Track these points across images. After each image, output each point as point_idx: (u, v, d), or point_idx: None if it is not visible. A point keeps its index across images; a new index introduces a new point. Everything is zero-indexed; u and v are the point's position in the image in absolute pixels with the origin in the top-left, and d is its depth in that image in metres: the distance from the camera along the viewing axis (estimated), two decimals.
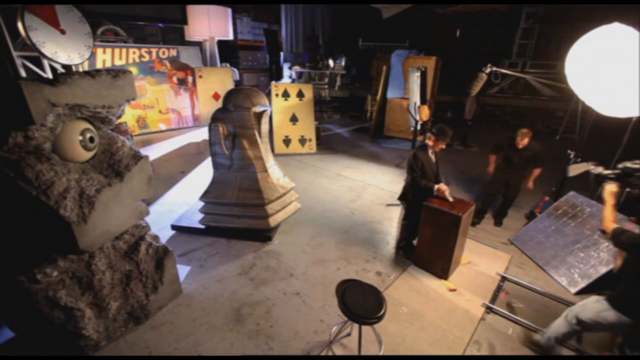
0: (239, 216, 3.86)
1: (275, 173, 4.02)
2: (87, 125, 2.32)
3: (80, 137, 2.26)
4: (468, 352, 2.59)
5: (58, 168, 2.13)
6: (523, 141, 4.00)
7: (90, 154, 2.36)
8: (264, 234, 3.93)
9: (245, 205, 3.80)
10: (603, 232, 2.36)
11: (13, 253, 2.19)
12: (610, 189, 2.40)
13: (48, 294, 2.20)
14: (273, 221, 3.88)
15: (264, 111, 3.85)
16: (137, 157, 2.55)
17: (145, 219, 2.79)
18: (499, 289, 3.30)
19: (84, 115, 2.28)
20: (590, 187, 2.95)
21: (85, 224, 2.14)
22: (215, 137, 3.78)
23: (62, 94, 2.08)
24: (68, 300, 2.27)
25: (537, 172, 4.22)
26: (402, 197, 3.74)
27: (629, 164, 2.61)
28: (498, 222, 4.45)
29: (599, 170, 2.81)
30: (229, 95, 3.77)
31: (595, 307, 2.22)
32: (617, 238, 2.13)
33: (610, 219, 2.27)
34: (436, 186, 3.31)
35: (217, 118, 3.76)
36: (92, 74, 2.27)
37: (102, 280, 2.45)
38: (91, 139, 2.33)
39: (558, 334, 2.42)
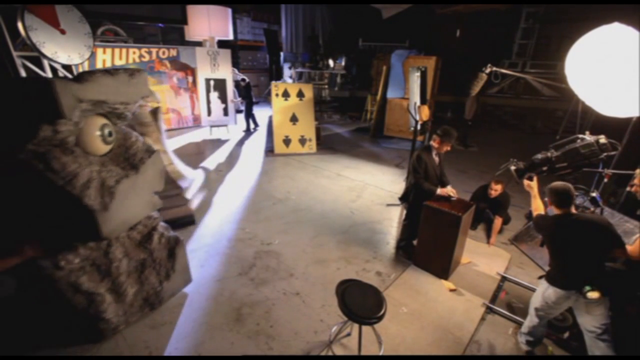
0: (162, 209, 3.62)
1: (179, 164, 4.48)
2: (105, 120, 2.47)
3: (100, 132, 2.42)
4: (468, 352, 2.58)
5: (81, 160, 2.28)
6: (496, 192, 4.01)
7: (108, 148, 2.50)
8: (189, 219, 4.28)
9: (165, 197, 3.66)
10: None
11: (39, 240, 2.26)
12: (527, 181, 2.79)
13: (70, 279, 2.34)
14: (193, 205, 4.32)
15: (157, 107, 4.00)
16: (150, 151, 2.73)
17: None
18: (499, 289, 3.30)
19: (104, 110, 2.43)
20: (513, 181, 3.27)
21: (107, 212, 2.29)
22: None
23: (87, 90, 2.22)
24: (89, 286, 2.41)
25: (498, 222, 4.05)
26: (404, 198, 3.74)
27: (536, 156, 3.06)
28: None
29: (519, 165, 3.13)
30: None
31: (539, 290, 2.39)
32: (534, 224, 2.43)
33: (535, 207, 2.55)
34: (438, 191, 3.31)
35: None
36: (112, 72, 2.41)
37: (119, 267, 2.59)
38: (109, 134, 2.49)
39: (528, 329, 2.51)
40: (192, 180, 4.52)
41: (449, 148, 3.40)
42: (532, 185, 2.73)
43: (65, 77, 2.13)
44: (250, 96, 9.07)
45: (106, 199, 2.30)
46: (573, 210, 2.24)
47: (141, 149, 2.69)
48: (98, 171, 2.34)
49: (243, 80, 8.91)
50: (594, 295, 2.06)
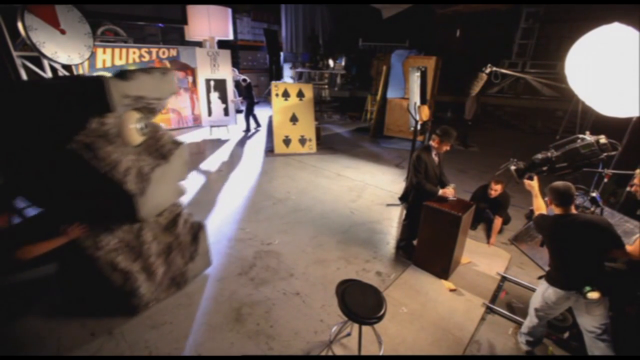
0: None
1: None
2: (140, 115, 2.75)
3: (135, 125, 2.69)
4: (468, 352, 2.58)
5: (121, 150, 2.53)
6: (496, 192, 4.00)
7: (142, 139, 2.78)
8: None
9: None
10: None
11: (83, 223, 2.53)
12: (528, 181, 2.80)
13: (108, 259, 2.61)
14: None
15: None
16: (177, 143, 3.01)
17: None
18: (499, 289, 3.30)
19: (140, 105, 2.68)
20: (513, 181, 3.27)
21: (143, 196, 2.54)
22: None
23: (130, 87, 2.46)
24: (125, 265, 2.67)
25: (498, 223, 4.05)
26: (404, 198, 3.74)
27: (536, 156, 3.05)
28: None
29: (519, 165, 3.12)
30: None
31: (539, 290, 2.39)
32: (534, 224, 2.42)
33: (536, 207, 2.53)
34: (440, 191, 3.31)
35: None
36: (148, 70, 2.67)
37: (150, 249, 2.86)
38: (144, 126, 2.78)
39: (528, 329, 2.51)
40: None
41: (448, 148, 3.39)
42: (533, 185, 2.74)
43: (115, 75, 2.44)
44: (252, 96, 9.07)
45: (143, 185, 2.55)
46: (573, 210, 2.24)
47: (169, 140, 2.96)
48: (135, 160, 2.59)
49: (244, 80, 8.91)
50: (594, 295, 2.06)
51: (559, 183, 2.28)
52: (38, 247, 2.33)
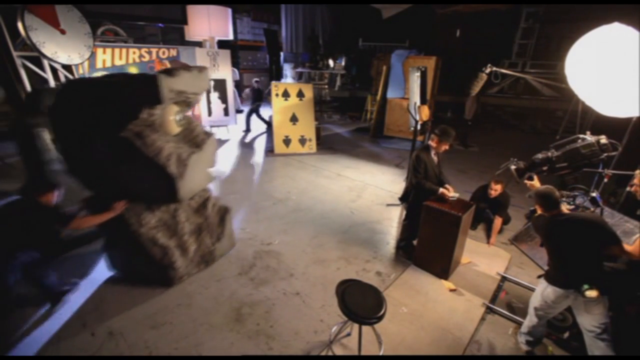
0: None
1: None
2: (178, 108, 3.08)
3: (175, 117, 3.06)
4: (468, 352, 2.58)
5: (164, 138, 2.86)
6: (496, 192, 4.00)
7: (179, 129, 3.14)
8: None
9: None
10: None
11: (128, 201, 2.92)
12: (529, 182, 2.85)
13: (149, 235, 2.97)
14: None
15: None
16: (208, 134, 3.32)
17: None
18: (499, 289, 3.30)
19: (180, 99, 2.98)
20: (513, 180, 3.29)
21: (182, 179, 2.86)
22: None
23: (175, 82, 2.80)
24: (163, 241, 3.03)
25: (498, 222, 4.04)
26: (404, 198, 3.74)
27: (536, 156, 3.10)
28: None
29: (520, 165, 3.16)
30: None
31: (538, 289, 2.40)
32: (532, 223, 2.46)
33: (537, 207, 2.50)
34: (440, 190, 3.31)
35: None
36: (188, 68, 2.98)
37: (184, 228, 3.20)
38: (181, 118, 3.14)
39: (528, 328, 2.52)
40: None
41: (447, 147, 3.39)
42: (534, 184, 2.75)
43: (162, 72, 2.75)
44: (261, 98, 9.05)
45: (181, 169, 2.87)
46: (565, 210, 2.26)
47: (201, 131, 3.28)
48: (175, 147, 2.91)
49: (257, 81, 9.01)
50: (592, 294, 2.06)
51: (540, 188, 2.32)
52: (89, 219, 2.82)
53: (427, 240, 3.41)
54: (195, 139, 3.20)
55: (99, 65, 7.24)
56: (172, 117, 3.03)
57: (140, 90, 2.72)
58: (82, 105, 2.77)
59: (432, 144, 3.40)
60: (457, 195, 3.34)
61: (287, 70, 14.06)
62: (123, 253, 3.16)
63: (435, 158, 3.48)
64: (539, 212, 2.47)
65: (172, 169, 2.79)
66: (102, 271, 3.32)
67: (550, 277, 2.29)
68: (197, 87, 3.10)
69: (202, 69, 3.14)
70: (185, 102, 3.08)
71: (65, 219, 2.70)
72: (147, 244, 2.95)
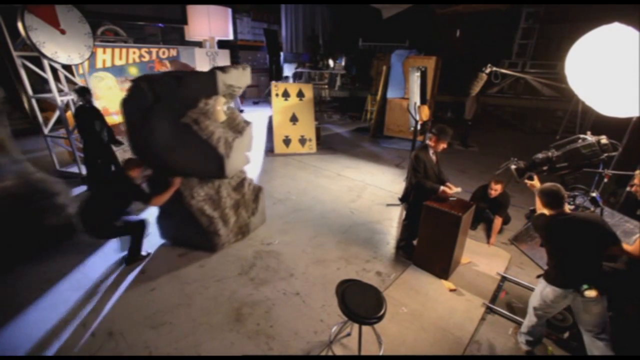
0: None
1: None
2: (224, 99, 3.66)
3: (223, 107, 3.65)
4: (468, 352, 2.58)
5: (214, 124, 3.44)
6: (496, 192, 4.00)
7: (225, 117, 3.70)
8: (67, 231, 4.13)
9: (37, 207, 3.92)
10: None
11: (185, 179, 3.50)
12: (529, 181, 2.86)
13: (199, 206, 3.53)
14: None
15: None
16: (247, 123, 3.87)
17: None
18: (499, 289, 3.30)
19: (227, 92, 3.52)
20: (513, 180, 3.29)
21: (228, 159, 3.42)
22: None
23: (227, 77, 3.42)
24: (210, 212, 3.58)
25: (498, 222, 4.04)
26: (404, 199, 3.73)
27: (537, 156, 3.13)
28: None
29: (520, 164, 3.16)
30: None
31: (537, 289, 2.39)
32: (532, 223, 2.44)
33: (538, 207, 2.49)
34: (441, 188, 3.31)
35: None
36: (235, 66, 3.60)
37: (225, 202, 3.75)
38: (228, 108, 3.78)
39: (528, 328, 2.52)
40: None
41: (445, 146, 3.40)
42: (535, 184, 2.74)
43: (217, 69, 3.36)
44: None
45: (228, 150, 3.41)
46: (567, 209, 2.24)
47: (241, 120, 3.86)
48: (223, 132, 3.46)
49: None
50: (591, 293, 2.06)
51: (547, 185, 2.29)
52: (162, 196, 3.31)
53: (427, 240, 3.41)
54: (237, 126, 3.75)
55: (99, 65, 7.24)
56: (219, 107, 3.56)
57: (203, 83, 3.32)
58: (149, 97, 3.36)
59: (430, 143, 3.41)
60: (459, 190, 3.34)
61: (287, 71, 14.06)
62: (176, 222, 3.70)
63: (434, 157, 3.48)
64: (541, 209, 2.47)
65: (221, 149, 3.34)
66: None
67: (550, 276, 2.28)
68: (242, 82, 3.66)
69: (245, 67, 3.69)
70: (231, 94, 3.62)
71: (146, 196, 3.31)
72: (197, 213, 3.50)
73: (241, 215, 3.91)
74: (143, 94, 3.36)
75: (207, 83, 3.32)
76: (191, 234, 3.65)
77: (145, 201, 3.30)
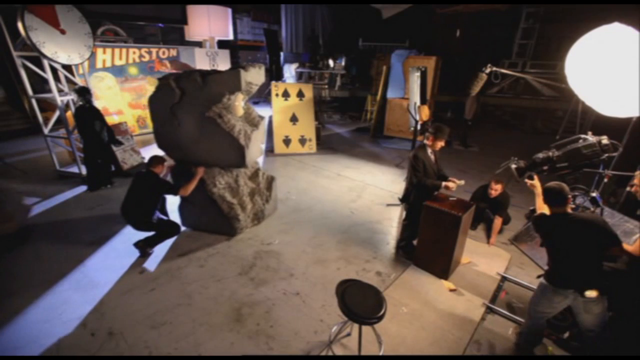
0: None
1: None
2: (243, 96, 3.89)
3: (241, 102, 3.90)
4: (468, 352, 2.58)
5: (235, 118, 3.74)
6: (496, 192, 3.99)
7: (243, 112, 3.97)
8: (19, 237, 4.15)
9: None
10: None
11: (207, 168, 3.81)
12: (530, 181, 2.82)
13: (220, 193, 3.84)
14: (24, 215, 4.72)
15: None
16: (261, 117, 4.21)
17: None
18: (499, 289, 3.30)
19: (245, 89, 3.74)
20: (513, 180, 3.29)
21: (248, 149, 3.73)
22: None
23: (248, 75, 3.70)
24: (230, 199, 3.90)
25: (498, 222, 4.03)
26: (404, 199, 3.73)
27: (537, 155, 3.11)
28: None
29: (520, 164, 3.16)
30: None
31: (538, 289, 2.39)
32: (533, 223, 2.42)
33: (539, 206, 2.52)
34: (444, 183, 3.32)
35: None
36: (253, 65, 3.84)
37: (243, 190, 4.08)
38: (245, 104, 4.02)
39: (528, 328, 2.52)
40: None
41: (442, 144, 3.41)
42: (535, 184, 2.74)
43: (240, 66, 3.67)
44: None
45: (247, 141, 3.72)
46: (569, 209, 2.24)
47: (256, 115, 4.16)
48: (242, 125, 3.77)
49: None
50: (591, 294, 2.06)
51: (552, 183, 2.28)
52: (189, 186, 3.58)
53: (427, 240, 3.41)
54: (253, 120, 4.08)
55: (99, 65, 7.24)
56: (238, 103, 3.82)
57: (227, 80, 3.59)
58: (177, 94, 3.62)
59: (428, 142, 3.42)
60: (462, 182, 3.34)
61: (287, 71, 14.05)
62: (198, 209, 4.00)
63: (432, 156, 3.49)
64: (542, 209, 2.46)
65: (242, 141, 3.66)
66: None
67: (550, 276, 2.28)
68: (258, 80, 3.93)
69: (260, 66, 3.97)
70: (248, 91, 3.87)
71: (174, 187, 3.57)
72: (219, 200, 3.83)
73: (257, 202, 4.24)
74: (171, 91, 3.61)
75: (231, 80, 3.60)
76: (212, 220, 3.98)
77: (175, 192, 3.54)
